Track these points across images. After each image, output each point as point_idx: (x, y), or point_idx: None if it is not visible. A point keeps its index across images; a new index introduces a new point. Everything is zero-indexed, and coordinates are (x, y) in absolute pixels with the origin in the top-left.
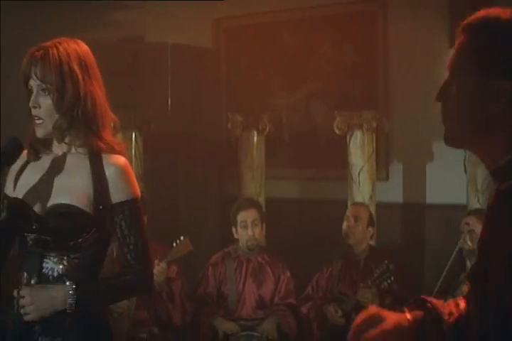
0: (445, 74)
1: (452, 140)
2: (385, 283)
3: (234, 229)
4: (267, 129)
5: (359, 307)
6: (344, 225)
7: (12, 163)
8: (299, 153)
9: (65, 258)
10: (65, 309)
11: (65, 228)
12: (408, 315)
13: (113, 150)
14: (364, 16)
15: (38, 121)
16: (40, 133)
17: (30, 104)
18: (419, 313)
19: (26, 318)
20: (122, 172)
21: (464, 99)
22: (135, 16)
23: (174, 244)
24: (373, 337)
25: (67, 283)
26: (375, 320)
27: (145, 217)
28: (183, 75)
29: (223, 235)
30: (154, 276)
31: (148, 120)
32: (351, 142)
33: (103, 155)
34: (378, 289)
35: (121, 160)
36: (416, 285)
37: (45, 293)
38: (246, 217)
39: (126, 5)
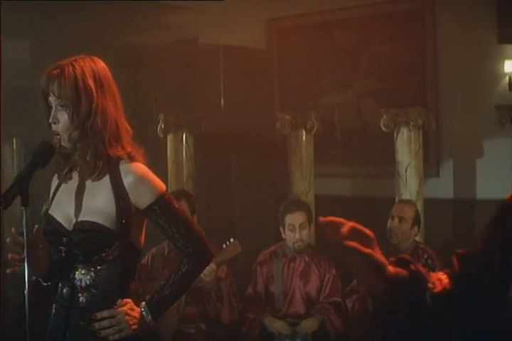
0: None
1: None
2: None
3: (282, 229)
4: (315, 128)
5: None
6: (388, 224)
7: (44, 167)
8: (351, 150)
9: (92, 269)
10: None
11: (87, 244)
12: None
13: (130, 158)
14: (413, 14)
15: (57, 137)
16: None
17: (50, 120)
18: (401, 270)
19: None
20: (140, 178)
21: None
22: (188, 18)
23: (224, 246)
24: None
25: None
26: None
27: (194, 216)
28: (236, 76)
29: (277, 233)
30: (204, 276)
31: (199, 120)
32: (398, 139)
33: (120, 166)
34: None
35: (137, 167)
36: None
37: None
38: (293, 220)
39: (179, 7)
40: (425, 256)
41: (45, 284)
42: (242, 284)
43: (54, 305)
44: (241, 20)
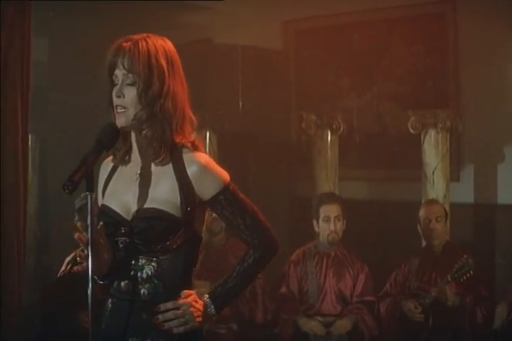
0: None
1: None
2: (464, 277)
3: (315, 222)
4: (341, 128)
5: (437, 303)
6: (426, 227)
7: (109, 149)
8: (370, 154)
9: (154, 259)
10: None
11: (151, 232)
12: None
13: (194, 147)
14: (434, 17)
15: (120, 110)
16: (121, 122)
17: (115, 94)
18: None
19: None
20: (204, 168)
21: None
22: (204, 18)
23: None
24: None
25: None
26: None
27: None
28: (254, 76)
29: (293, 235)
30: None
31: (222, 119)
32: (425, 141)
33: (183, 154)
34: (458, 284)
35: (200, 156)
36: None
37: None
38: (329, 212)
39: (195, 6)
40: (465, 256)
41: (100, 282)
42: (273, 284)
43: (110, 300)
44: (258, 21)
